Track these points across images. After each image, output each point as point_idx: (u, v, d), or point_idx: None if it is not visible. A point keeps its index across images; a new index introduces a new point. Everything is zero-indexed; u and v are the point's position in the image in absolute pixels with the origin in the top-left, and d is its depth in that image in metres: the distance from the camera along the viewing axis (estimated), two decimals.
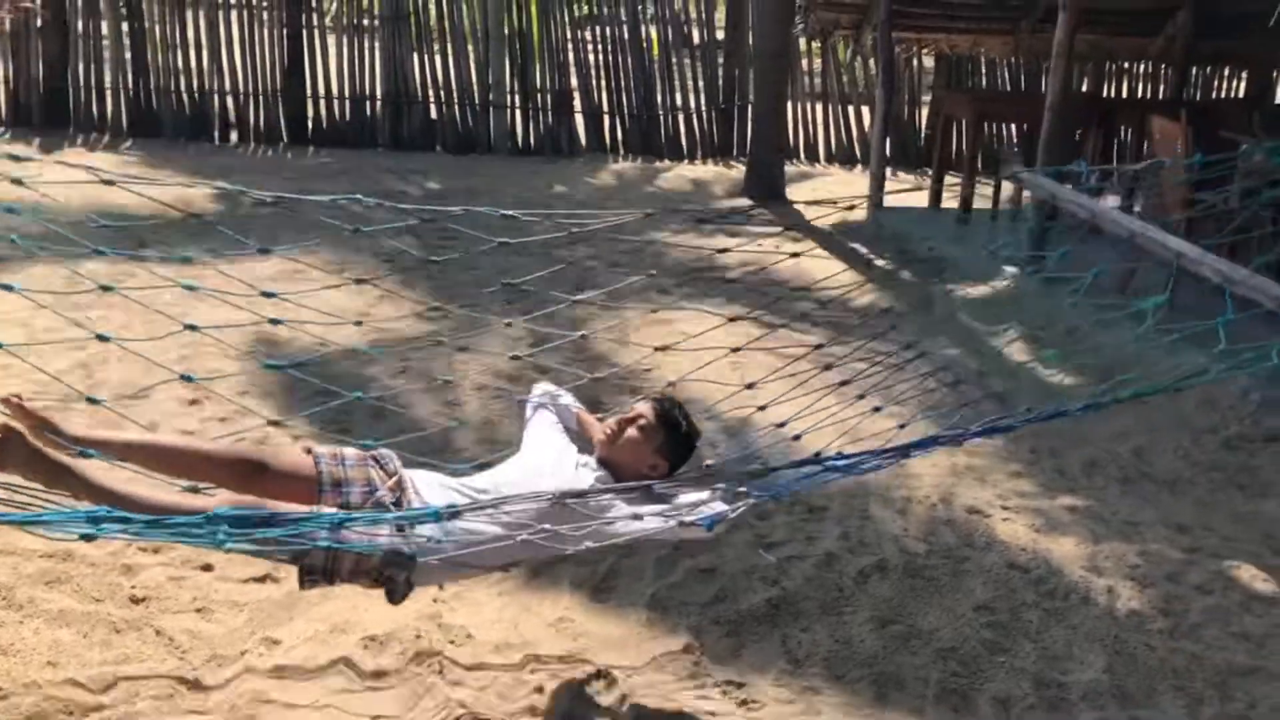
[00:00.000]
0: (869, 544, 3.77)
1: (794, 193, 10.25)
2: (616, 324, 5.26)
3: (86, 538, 1.93)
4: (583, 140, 11.95)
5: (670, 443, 2.95)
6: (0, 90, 11.12)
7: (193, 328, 3.14)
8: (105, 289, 3.17)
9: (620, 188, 10.39)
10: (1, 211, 3.20)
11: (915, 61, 12.52)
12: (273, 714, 2.77)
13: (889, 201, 9.44)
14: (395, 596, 2.49)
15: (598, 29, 12.13)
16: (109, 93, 11.23)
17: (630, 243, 7.96)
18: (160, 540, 2.38)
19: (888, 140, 10.15)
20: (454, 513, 2.26)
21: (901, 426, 3.41)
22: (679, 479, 2.90)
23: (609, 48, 11.97)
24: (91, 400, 3.15)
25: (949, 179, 9.41)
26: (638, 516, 2.57)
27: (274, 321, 3.33)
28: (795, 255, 4.26)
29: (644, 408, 2.98)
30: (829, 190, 10.80)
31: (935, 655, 3.16)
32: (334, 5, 12.49)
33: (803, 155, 12.41)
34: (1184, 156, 6.33)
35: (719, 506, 2.62)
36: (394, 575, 2.43)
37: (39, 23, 11.03)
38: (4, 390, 2.62)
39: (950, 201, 9.14)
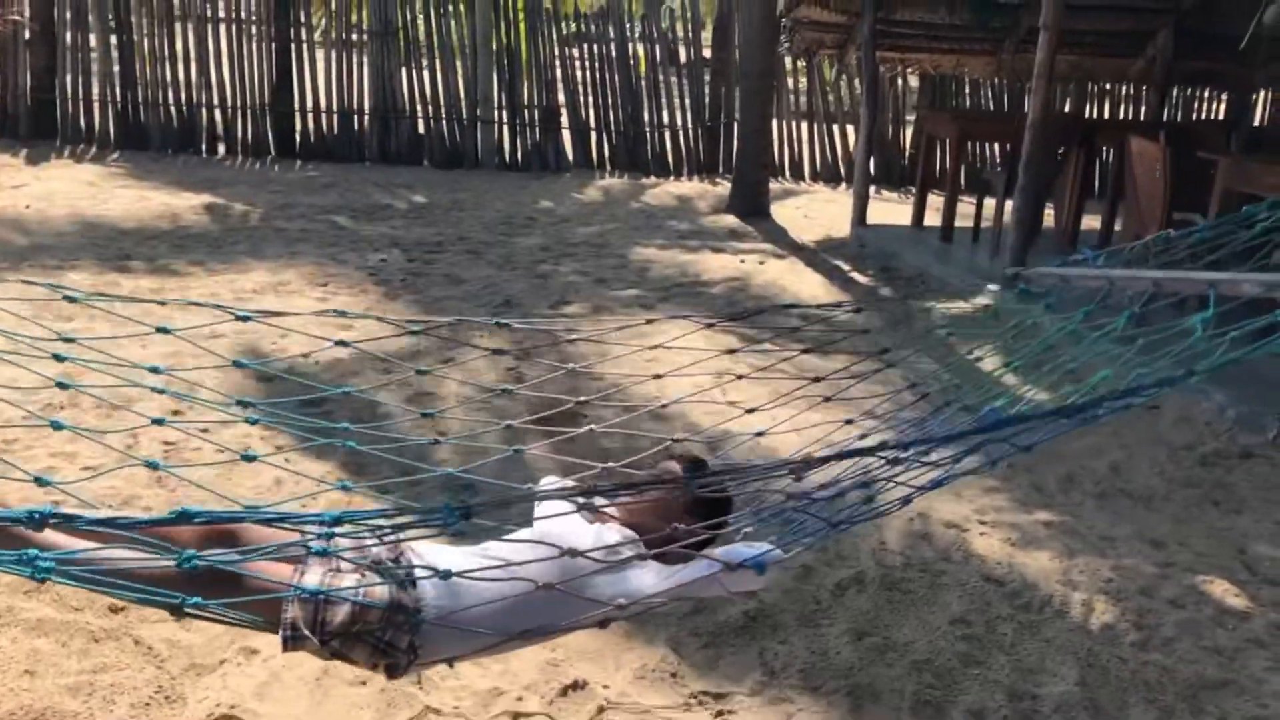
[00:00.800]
0: (846, 557, 3.80)
1: (778, 210, 10.33)
2: (598, 336, 5.28)
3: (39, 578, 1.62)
4: (570, 156, 12.02)
5: (699, 503, 2.45)
6: None
7: (165, 330, 2.92)
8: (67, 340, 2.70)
9: (606, 203, 10.44)
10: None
11: (900, 81, 12.64)
12: None
13: (872, 220, 9.53)
14: (398, 670, 2.12)
15: (586, 46, 12.21)
16: (96, 105, 11.27)
17: (616, 258, 8.01)
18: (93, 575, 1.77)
19: (872, 159, 10.25)
20: (462, 573, 1.98)
21: (862, 437, 3.39)
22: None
23: (597, 65, 12.06)
24: (41, 482, 2.37)
25: (932, 197, 9.49)
26: (669, 568, 2.24)
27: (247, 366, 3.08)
28: (758, 264, 4.28)
29: (669, 467, 2.64)
30: (811, 208, 10.89)
31: (910, 667, 3.19)
32: (323, 20, 12.55)
33: (788, 173, 12.51)
34: (1162, 177, 6.42)
35: (764, 545, 2.27)
36: (395, 640, 2.07)
37: (27, 34, 11.07)
38: None
39: (933, 220, 9.21)
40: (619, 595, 2.15)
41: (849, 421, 2.93)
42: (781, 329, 5.92)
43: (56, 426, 2.51)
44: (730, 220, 9.87)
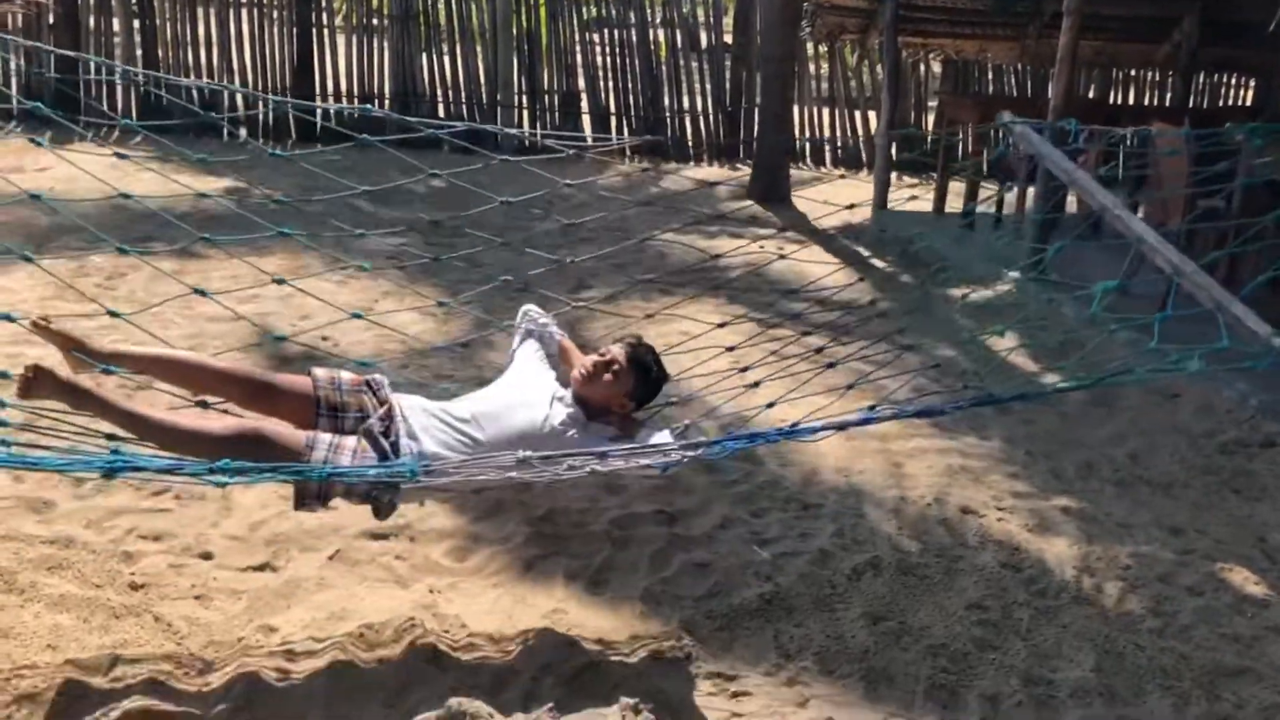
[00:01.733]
0: (863, 542, 3.80)
1: (798, 195, 10.28)
2: (616, 321, 5.28)
3: (107, 477, 2.41)
4: (589, 141, 11.99)
5: (640, 384, 3.24)
6: (13, 85, 11.19)
7: (201, 292, 3.32)
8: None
9: (626, 188, 10.43)
10: (27, 198, 3.24)
11: (922, 66, 12.56)
12: (267, 699, 2.80)
13: (893, 205, 9.48)
14: (381, 514, 2.83)
15: (606, 31, 12.18)
16: (119, 88, 11.31)
17: (634, 243, 7.99)
18: (164, 478, 2.85)
19: (893, 144, 10.18)
20: (429, 470, 2.61)
21: (871, 408, 3.40)
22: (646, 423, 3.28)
23: (617, 50, 12.03)
24: (113, 314, 3.31)
25: (953, 183, 9.43)
26: (602, 457, 2.81)
27: (278, 338, 3.35)
28: (781, 256, 4.29)
29: (617, 351, 3.23)
30: (833, 193, 10.83)
31: (926, 652, 3.19)
32: (344, 4, 12.55)
33: (809, 159, 12.45)
34: (1186, 166, 6.36)
35: (675, 455, 2.88)
36: (379, 496, 2.76)
37: (51, 19, 11.11)
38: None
39: (954, 206, 9.16)
40: (558, 476, 2.71)
41: (850, 386, 3.02)
42: (797, 311, 5.91)
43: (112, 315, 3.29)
44: (750, 205, 9.82)
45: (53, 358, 2.92)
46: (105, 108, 11.33)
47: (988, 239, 8.54)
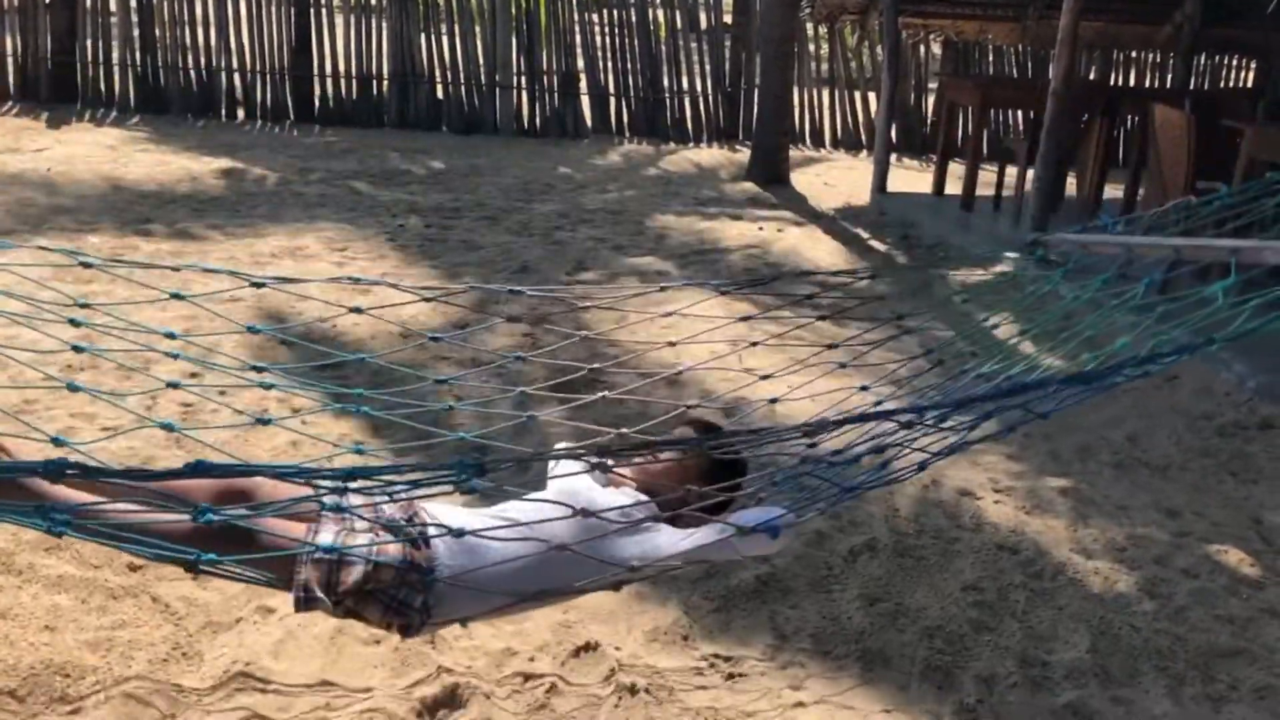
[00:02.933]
0: (859, 524, 3.81)
1: (798, 177, 10.27)
2: (614, 304, 5.27)
3: (55, 533, 1.63)
4: (589, 122, 11.97)
5: (713, 463, 2.43)
6: (9, 64, 11.16)
7: (179, 297, 2.95)
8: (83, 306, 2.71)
9: (625, 170, 10.40)
10: (18, 183, 3.15)
11: (922, 48, 12.51)
12: (266, 682, 2.81)
13: (892, 187, 9.46)
14: (411, 630, 2.10)
15: (606, 12, 12.13)
16: (116, 68, 11.28)
17: (633, 224, 7.99)
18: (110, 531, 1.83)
19: (893, 126, 10.15)
20: (481, 470, 1.75)
21: (878, 403, 3.39)
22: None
23: (616, 30, 11.98)
24: (58, 442, 2.40)
25: (953, 166, 9.41)
26: (683, 531, 2.25)
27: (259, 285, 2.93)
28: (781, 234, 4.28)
29: (681, 431, 2.65)
30: (831, 175, 10.82)
31: (922, 633, 3.20)
32: None
33: (808, 140, 12.42)
34: (1186, 146, 6.34)
35: (777, 509, 2.24)
36: (409, 599, 2.06)
37: None
38: None
39: (954, 188, 9.14)
40: (633, 557, 2.15)
41: (864, 388, 2.92)
42: (797, 296, 5.91)
43: (73, 388, 2.56)
44: (749, 187, 9.82)
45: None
46: (103, 89, 11.30)
47: (987, 221, 8.53)
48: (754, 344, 3.26)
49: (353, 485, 1.81)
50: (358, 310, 3.48)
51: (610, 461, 2.37)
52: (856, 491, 2.25)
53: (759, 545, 2.24)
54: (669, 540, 2.24)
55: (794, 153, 11.11)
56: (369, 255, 6.73)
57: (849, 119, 12.47)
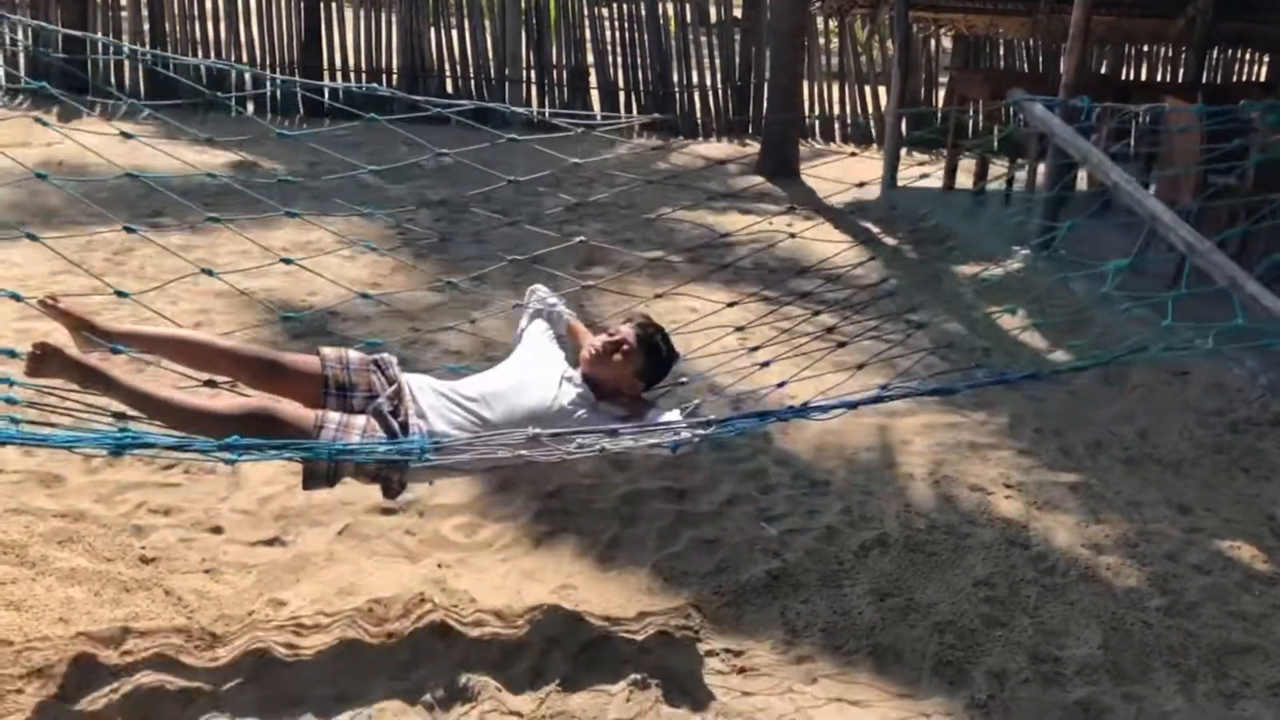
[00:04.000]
0: (870, 519, 3.80)
1: (808, 171, 10.23)
2: (625, 300, 5.27)
3: (116, 454, 2.49)
4: (598, 116, 11.95)
5: (649, 365, 3.23)
6: (20, 56, 11.18)
7: (209, 272, 3.34)
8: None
9: (634, 163, 10.38)
10: (33, 176, 3.25)
11: (934, 41, 12.47)
12: (277, 672, 2.82)
13: (902, 181, 9.44)
14: (390, 493, 2.84)
15: (615, 5, 12.12)
16: (126, 61, 11.28)
17: (642, 218, 7.98)
18: (175, 453, 2.90)
19: (903, 120, 10.13)
20: (438, 447, 2.62)
21: (884, 387, 3.39)
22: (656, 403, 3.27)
23: (626, 24, 11.97)
24: (120, 294, 3.25)
25: (963, 160, 9.38)
26: (613, 434, 2.88)
27: (286, 317, 3.38)
28: (792, 234, 4.30)
29: (627, 331, 3.23)
30: (842, 169, 10.78)
31: (933, 628, 3.20)
32: None
33: (818, 134, 12.40)
34: (1198, 140, 6.31)
35: (686, 434, 2.91)
36: (389, 475, 2.78)
37: None
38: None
39: (964, 182, 9.11)
40: (566, 455, 2.80)
41: (860, 366, 3.02)
42: (806, 289, 5.90)
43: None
44: (759, 181, 9.79)
45: (61, 336, 2.92)
46: (113, 83, 11.31)
47: (998, 215, 8.50)
48: (756, 347, 3.26)
49: (340, 457, 2.70)
50: (366, 295, 3.63)
51: (566, 315, 3.56)
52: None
53: (663, 452, 3.00)
54: (598, 439, 2.87)
55: (804, 147, 11.10)
56: (378, 249, 6.72)
57: (859, 113, 12.44)
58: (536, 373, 3.17)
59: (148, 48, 11.31)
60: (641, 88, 12.02)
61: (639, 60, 11.99)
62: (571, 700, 2.80)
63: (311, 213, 6.52)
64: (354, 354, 3.10)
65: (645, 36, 11.94)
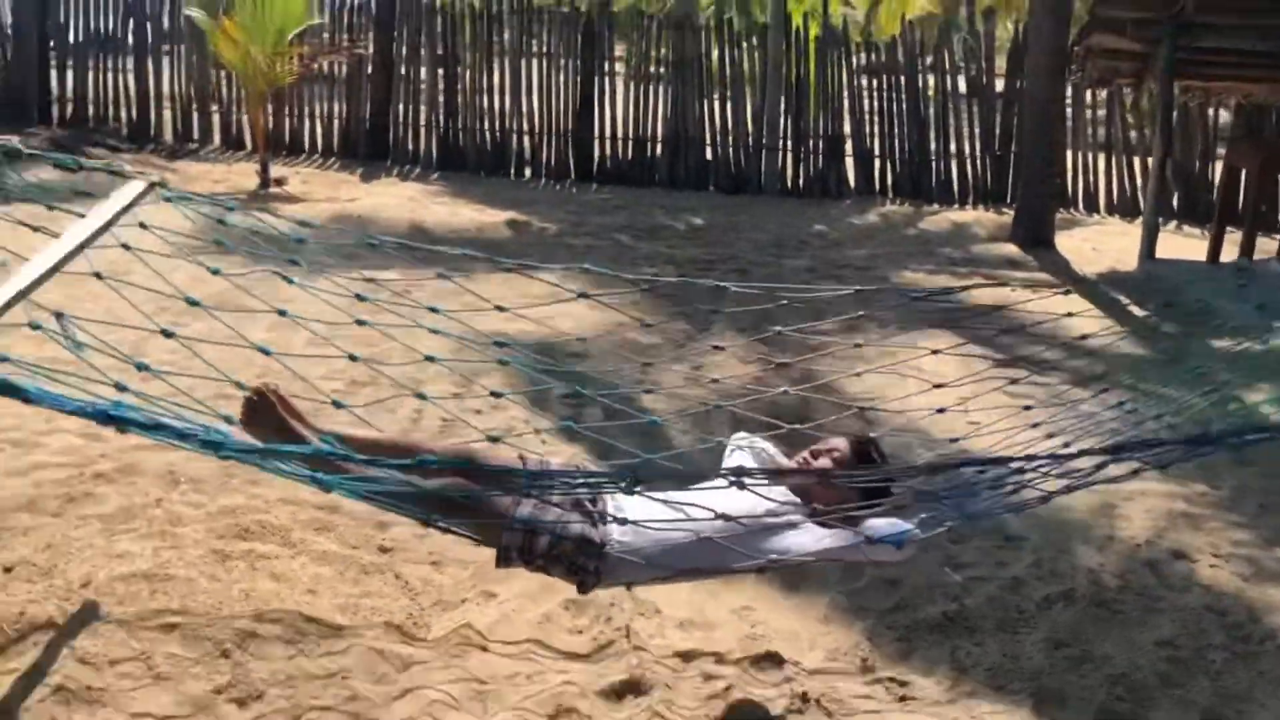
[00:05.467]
0: (1060, 574, 3.82)
1: (1064, 241, 10.05)
2: (846, 352, 5.45)
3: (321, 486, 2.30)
4: (852, 183, 12.18)
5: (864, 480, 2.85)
6: (335, 125, 12.64)
7: (434, 310, 3.60)
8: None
9: (883, 228, 10.54)
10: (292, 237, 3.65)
11: (1210, 111, 11.95)
12: (480, 652, 3.21)
13: (1166, 255, 9.12)
14: (585, 587, 2.72)
15: (875, 75, 12.36)
16: (423, 130, 12.54)
17: (880, 280, 8.13)
18: (365, 490, 2.50)
19: (1175, 193, 9.78)
20: (635, 481, 2.36)
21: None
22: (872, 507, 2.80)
23: (885, 94, 12.18)
24: (337, 405, 3.16)
25: (1231, 232, 8.96)
26: (824, 533, 2.65)
27: (499, 344, 3.74)
28: (1029, 293, 4.36)
29: (839, 442, 3.03)
30: (1100, 240, 10.50)
31: (1104, 680, 3.21)
32: (626, 52, 13.36)
33: (1081, 204, 12.11)
34: None
35: (906, 524, 2.63)
36: (585, 564, 2.66)
37: (369, 68, 12.49)
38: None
39: (1232, 256, 8.71)
40: (773, 551, 2.61)
41: (1027, 408, 3.07)
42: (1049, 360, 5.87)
43: (337, 405, 3.16)
44: (1009, 249, 9.71)
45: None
46: (410, 148, 12.58)
47: (1262, 291, 8.07)
48: (938, 385, 3.39)
49: (536, 485, 2.63)
50: (584, 295, 3.78)
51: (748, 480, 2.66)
52: (979, 518, 2.46)
53: (885, 554, 2.64)
54: (807, 540, 2.66)
55: (1064, 216, 10.90)
56: (621, 301, 7.22)
57: (1125, 184, 12.06)
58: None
59: (441, 117, 12.52)
60: (897, 155, 12.16)
61: (896, 128, 12.15)
62: (734, 709, 3.04)
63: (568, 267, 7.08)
64: (554, 460, 3.13)
65: (904, 105, 12.10)
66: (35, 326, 2.79)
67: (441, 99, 12.52)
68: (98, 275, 2.99)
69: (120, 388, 2.57)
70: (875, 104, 12.28)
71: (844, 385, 5.05)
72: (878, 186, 12.19)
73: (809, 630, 3.46)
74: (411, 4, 12.63)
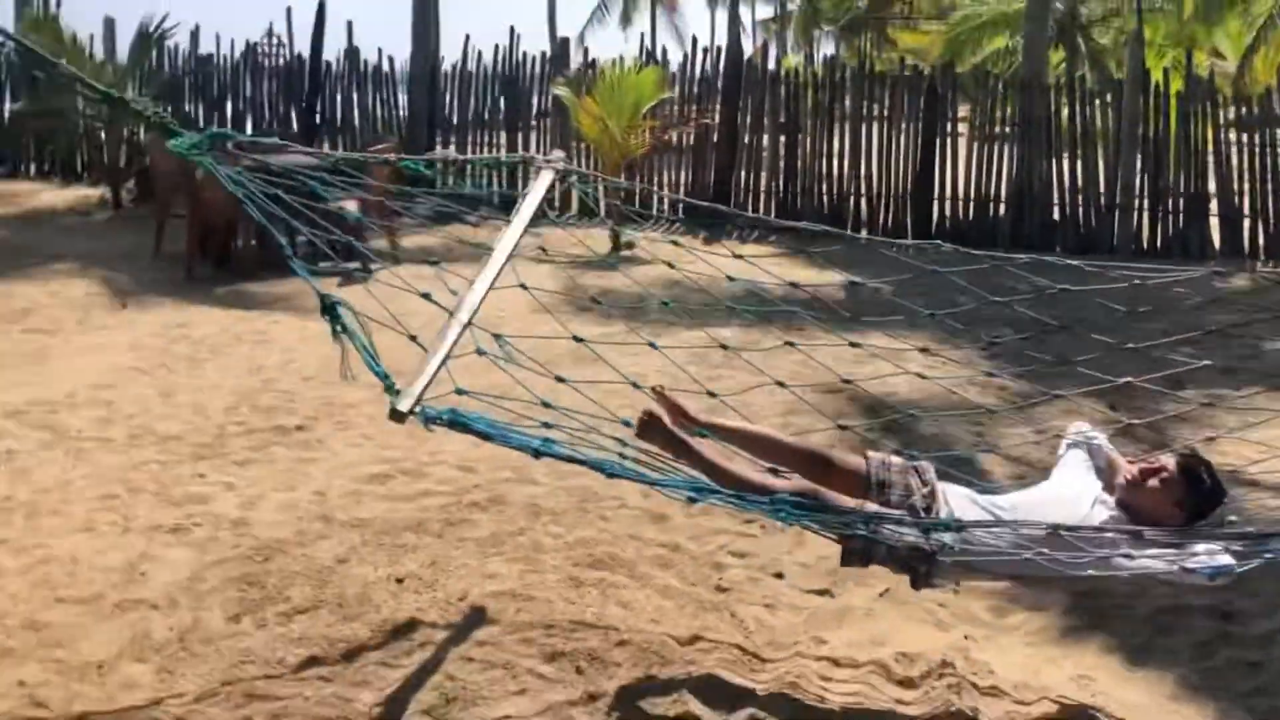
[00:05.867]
0: None
1: None
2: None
3: (691, 501, 3.09)
4: (1215, 244, 11.36)
5: (1191, 497, 3.15)
6: (681, 190, 13.31)
7: (780, 385, 3.85)
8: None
9: (1251, 292, 9.73)
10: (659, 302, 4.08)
11: None
12: (812, 688, 3.33)
13: None
14: (916, 583, 3.09)
15: (1245, 132, 11.52)
16: (763, 194, 12.94)
17: (1248, 348, 7.55)
18: (737, 509, 3.43)
19: None
20: (962, 526, 2.83)
21: None
22: (1193, 531, 3.08)
23: (1259, 150, 11.31)
24: (710, 394, 3.81)
25: None
26: (1136, 539, 2.90)
27: (846, 381, 4.36)
28: None
29: (1169, 460, 3.21)
30: None
31: None
32: (969, 113, 13.20)
33: None
34: None
35: (1225, 559, 2.78)
36: (917, 566, 3.02)
37: (714, 137, 13.08)
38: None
39: None
40: (1095, 565, 2.89)
41: None
42: None
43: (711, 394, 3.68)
44: None
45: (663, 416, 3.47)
46: (749, 210, 13.03)
47: None
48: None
49: (867, 525, 3.08)
50: (921, 376, 3.93)
51: (1106, 448, 3.49)
52: None
53: (1198, 580, 2.89)
54: (1126, 560, 2.94)
55: None
56: (959, 362, 7.14)
57: None
58: (1071, 491, 3.31)
59: (781, 181, 12.88)
60: (1270, 215, 11.22)
61: (1271, 187, 11.22)
62: None
63: (901, 330, 7.14)
64: (897, 459, 3.41)
65: (1278, 160, 11.17)
66: (481, 352, 3.24)
67: (782, 164, 12.87)
68: (523, 286, 3.47)
69: (546, 425, 3.17)
70: (1244, 160, 11.41)
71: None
72: (1246, 248, 11.28)
73: (1155, 707, 3.32)
74: (756, 75, 13.12)
